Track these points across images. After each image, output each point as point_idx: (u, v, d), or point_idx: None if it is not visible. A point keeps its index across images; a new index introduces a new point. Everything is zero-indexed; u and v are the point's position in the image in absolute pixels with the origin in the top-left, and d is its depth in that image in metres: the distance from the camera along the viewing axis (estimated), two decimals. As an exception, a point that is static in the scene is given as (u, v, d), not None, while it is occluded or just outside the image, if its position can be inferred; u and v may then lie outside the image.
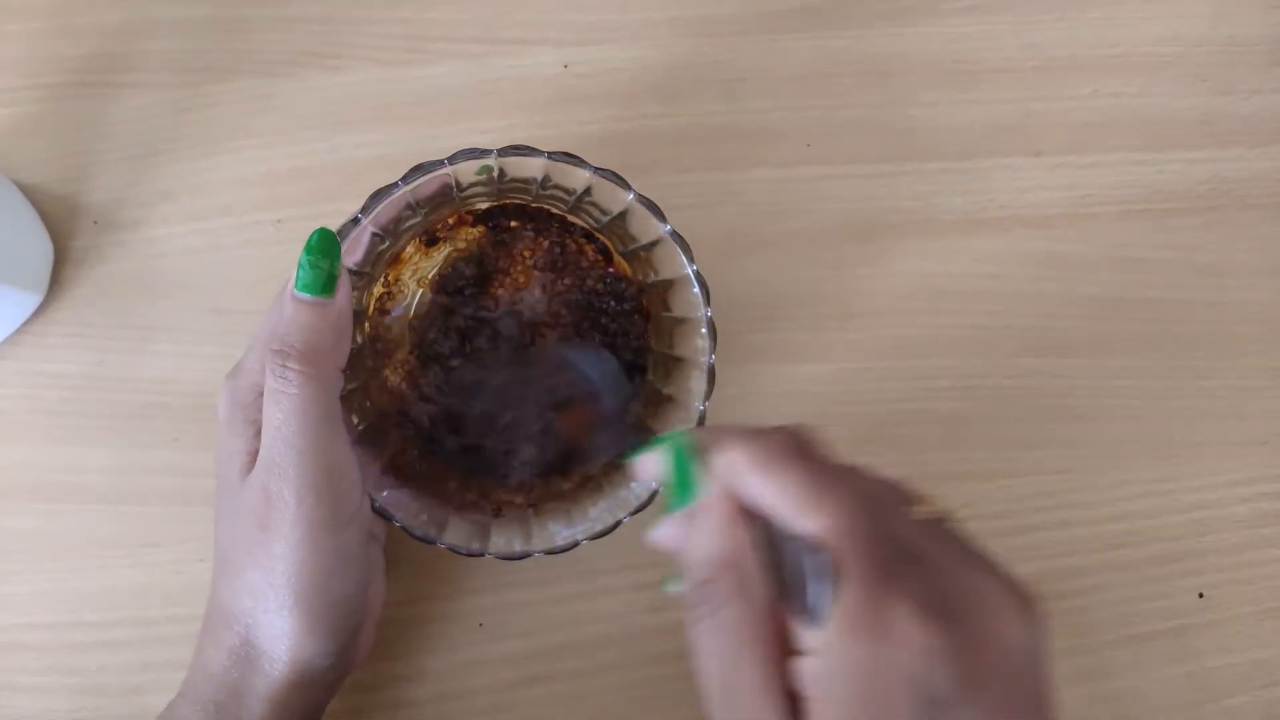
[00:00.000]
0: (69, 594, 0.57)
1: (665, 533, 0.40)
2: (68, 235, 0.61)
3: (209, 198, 0.61)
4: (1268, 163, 0.64)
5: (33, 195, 0.61)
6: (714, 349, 0.50)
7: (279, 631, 0.44)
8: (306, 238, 0.59)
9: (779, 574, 0.36)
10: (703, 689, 0.37)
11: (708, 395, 0.50)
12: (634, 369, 0.54)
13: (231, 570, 0.46)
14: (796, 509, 0.36)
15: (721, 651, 0.36)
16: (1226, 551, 0.59)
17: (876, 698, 0.33)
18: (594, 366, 0.52)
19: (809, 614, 0.34)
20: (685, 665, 0.55)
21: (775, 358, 0.60)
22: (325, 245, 0.44)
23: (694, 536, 0.38)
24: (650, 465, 0.41)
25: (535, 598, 0.57)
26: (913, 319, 0.61)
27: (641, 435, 0.49)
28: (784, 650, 0.36)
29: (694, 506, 0.38)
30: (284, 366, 0.42)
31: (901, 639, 0.33)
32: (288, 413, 0.42)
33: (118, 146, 0.62)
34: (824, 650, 0.34)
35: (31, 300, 0.59)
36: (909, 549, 0.36)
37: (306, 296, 0.44)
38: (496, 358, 0.54)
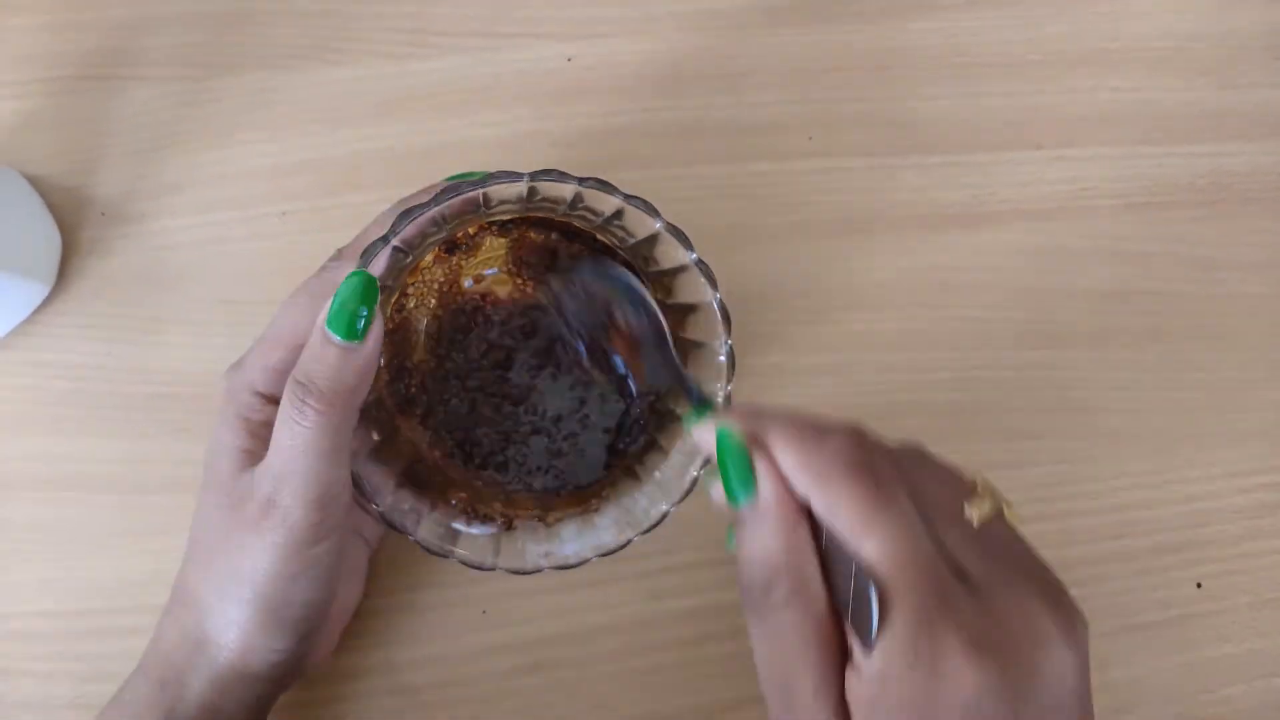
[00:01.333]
0: (76, 582, 0.57)
1: (718, 493, 0.39)
2: (75, 227, 0.61)
3: (215, 190, 0.62)
4: (1268, 157, 0.64)
5: (41, 187, 0.61)
6: (731, 379, 0.50)
7: (231, 620, 0.45)
8: (312, 227, 0.60)
9: (840, 578, 0.36)
10: (762, 684, 0.37)
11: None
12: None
13: (201, 554, 0.47)
14: (850, 529, 0.35)
15: (779, 654, 0.36)
16: (1225, 543, 0.59)
17: None
18: (612, 285, 0.52)
19: (861, 635, 0.35)
20: (686, 653, 0.56)
21: (776, 350, 0.60)
22: (364, 292, 0.43)
23: (749, 536, 0.38)
24: (706, 440, 0.40)
25: (538, 586, 0.57)
26: (913, 311, 0.61)
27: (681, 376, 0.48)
28: (842, 655, 0.36)
29: (751, 506, 0.38)
30: (303, 401, 0.43)
31: (951, 676, 0.33)
32: (297, 439, 0.43)
33: (124, 139, 0.62)
34: (874, 678, 0.34)
35: (39, 291, 0.59)
36: (960, 566, 0.36)
37: (337, 339, 0.43)
38: (509, 360, 0.54)
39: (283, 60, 0.64)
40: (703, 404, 0.42)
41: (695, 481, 0.49)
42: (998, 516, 0.39)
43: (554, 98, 0.63)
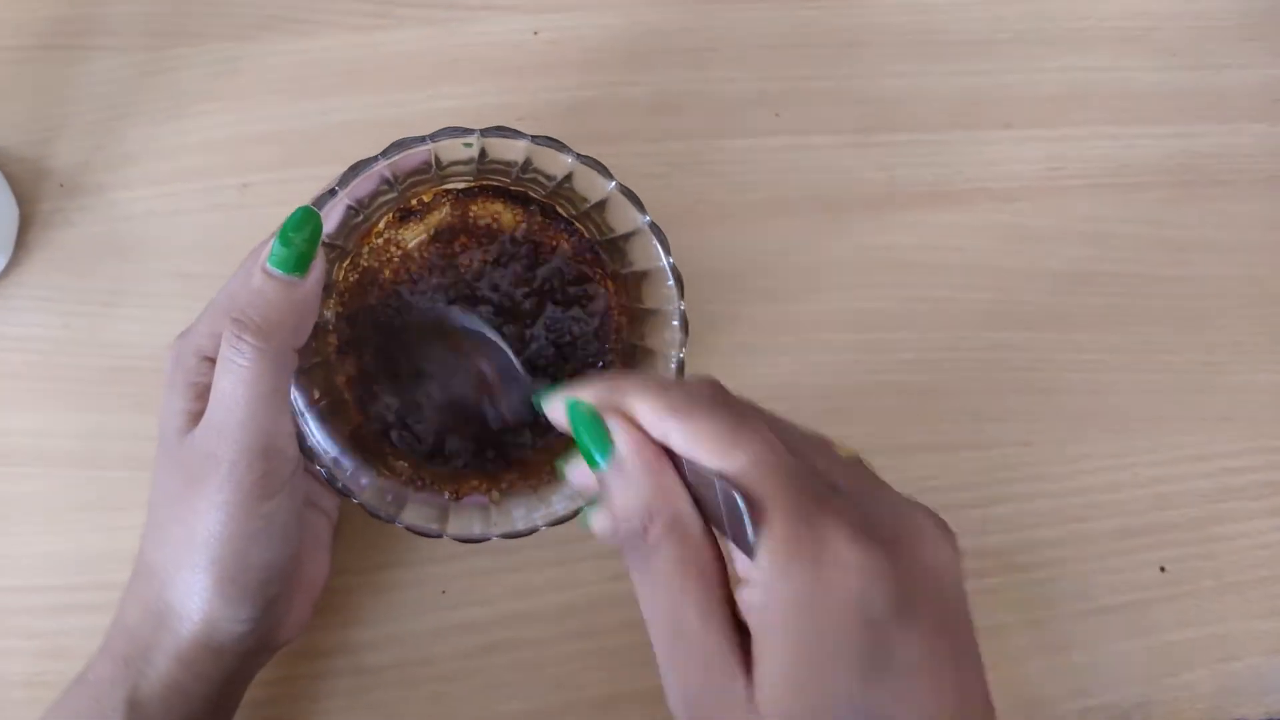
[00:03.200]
0: (33, 558, 0.57)
1: (602, 518, 0.40)
2: (33, 198, 0.60)
3: (175, 161, 0.61)
4: (1236, 138, 0.64)
5: (-2, 158, 0.61)
6: (685, 343, 0.50)
7: (191, 589, 0.44)
8: (272, 200, 0.60)
9: (711, 505, 0.36)
10: (650, 633, 0.37)
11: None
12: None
13: (157, 525, 0.46)
14: (713, 452, 0.36)
15: (664, 593, 0.36)
16: (1188, 526, 0.59)
17: (818, 623, 0.33)
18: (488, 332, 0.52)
19: (742, 547, 0.35)
20: (645, 633, 0.56)
21: (739, 328, 0.60)
22: (306, 224, 0.43)
23: (616, 492, 0.38)
24: (557, 416, 0.40)
25: (498, 565, 0.57)
26: (878, 291, 0.61)
27: (536, 384, 0.49)
28: (727, 582, 0.36)
29: (610, 462, 0.38)
30: (239, 338, 0.42)
31: (836, 562, 0.33)
32: (234, 383, 0.42)
33: (84, 110, 0.62)
34: (761, 581, 0.34)
35: (-4, 263, 0.58)
36: (831, 481, 0.36)
37: (277, 272, 0.43)
38: (437, 342, 0.53)
39: (246, 30, 0.63)
40: (545, 389, 0.42)
41: None
42: (859, 458, 0.40)
43: (519, 71, 0.63)
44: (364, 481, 0.50)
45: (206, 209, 0.60)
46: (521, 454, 0.53)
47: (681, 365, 0.50)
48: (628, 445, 0.37)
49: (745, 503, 0.34)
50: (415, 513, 0.50)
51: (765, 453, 0.35)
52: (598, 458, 0.38)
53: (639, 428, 0.38)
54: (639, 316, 0.53)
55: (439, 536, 0.49)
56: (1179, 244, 0.63)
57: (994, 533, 0.59)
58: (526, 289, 0.53)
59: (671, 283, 0.50)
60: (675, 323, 0.50)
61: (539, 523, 0.49)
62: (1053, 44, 0.65)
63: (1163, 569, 0.59)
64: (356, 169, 0.47)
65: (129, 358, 0.59)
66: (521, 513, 0.51)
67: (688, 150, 0.62)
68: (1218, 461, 0.60)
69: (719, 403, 0.37)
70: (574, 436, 0.39)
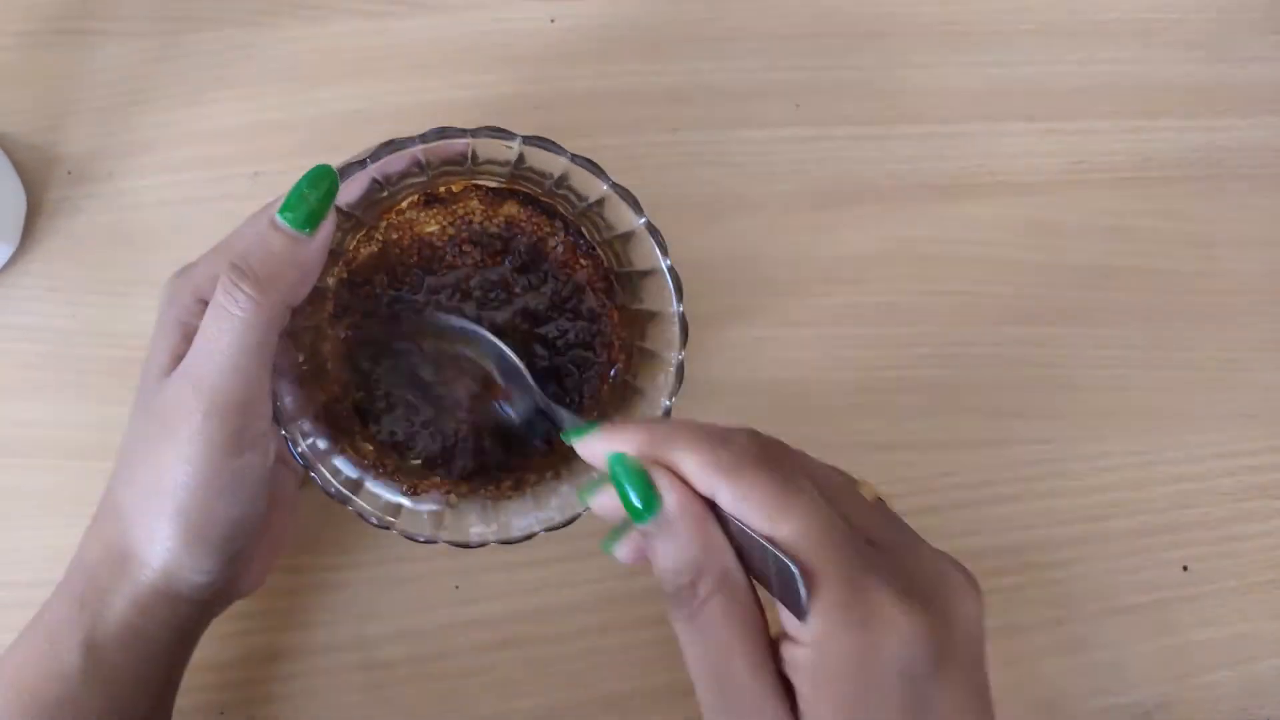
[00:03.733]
0: (38, 551, 0.56)
1: (629, 549, 0.40)
2: (42, 186, 0.60)
3: (185, 149, 0.60)
4: (1261, 132, 0.64)
5: (6, 144, 0.60)
6: (683, 349, 0.49)
7: (154, 536, 0.44)
8: (283, 189, 0.58)
9: (756, 561, 0.37)
10: (696, 685, 0.37)
11: (674, 392, 0.49)
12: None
13: (126, 467, 0.45)
14: (763, 516, 0.36)
15: (711, 645, 0.37)
16: (1210, 525, 0.59)
17: (868, 682, 0.35)
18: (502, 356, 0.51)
19: (792, 607, 0.35)
20: (661, 631, 0.56)
21: (757, 321, 0.60)
22: (322, 182, 0.43)
23: (662, 548, 0.38)
24: (595, 458, 0.40)
25: (510, 561, 0.56)
26: (898, 285, 0.61)
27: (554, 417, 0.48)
28: (770, 636, 0.37)
29: (658, 519, 0.38)
30: (236, 286, 0.41)
31: (885, 625, 0.35)
32: (223, 331, 0.42)
33: (94, 96, 0.61)
34: (813, 643, 0.35)
35: (3, 251, 0.58)
36: (869, 537, 0.38)
37: (285, 225, 0.43)
38: (434, 340, 0.52)
39: (258, 16, 0.62)
40: (581, 427, 0.41)
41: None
42: (882, 500, 0.41)
43: (536, 60, 0.62)
44: (327, 457, 0.49)
45: (217, 197, 0.60)
46: (486, 465, 0.52)
47: (680, 368, 0.49)
48: (676, 504, 0.37)
49: (797, 568, 0.35)
50: (369, 499, 0.48)
51: (813, 518, 0.36)
52: (645, 516, 0.38)
53: (684, 483, 0.38)
54: (639, 355, 0.52)
55: (388, 529, 0.48)
56: (1201, 238, 0.62)
57: (1014, 530, 0.58)
58: (534, 300, 0.53)
59: (677, 328, 0.49)
60: (672, 369, 0.49)
61: (491, 538, 0.48)
62: (1076, 36, 0.64)
63: (1185, 568, 0.58)
64: (390, 146, 0.46)
65: (136, 348, 0.57)
66: (475, 517, 0.49)
67: (705, 141, 0.61)
68: (1240, 460, 0.60)
69: (764, 462, 0.37)
70: (617, 490, 0.38)
